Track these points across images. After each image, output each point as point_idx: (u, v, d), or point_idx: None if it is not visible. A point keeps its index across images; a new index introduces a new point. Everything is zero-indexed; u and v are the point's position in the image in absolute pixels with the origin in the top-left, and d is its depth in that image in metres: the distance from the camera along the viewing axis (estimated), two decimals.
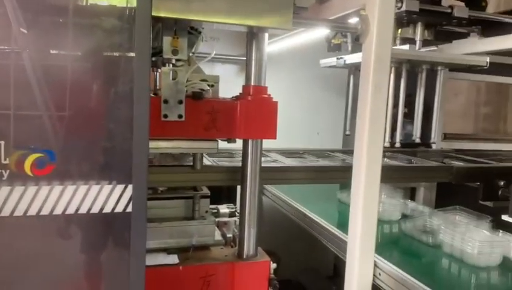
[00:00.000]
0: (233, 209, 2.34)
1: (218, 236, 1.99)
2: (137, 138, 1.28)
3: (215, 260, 1.81)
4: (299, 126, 3.65)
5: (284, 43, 3.14)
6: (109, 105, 1.32)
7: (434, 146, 3.16)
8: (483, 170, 2.40)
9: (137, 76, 1.26)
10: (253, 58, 1.73)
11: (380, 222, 2.24)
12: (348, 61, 2.58)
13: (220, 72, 3.60)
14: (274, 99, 1.76)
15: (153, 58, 1.89)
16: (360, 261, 1.76)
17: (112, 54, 1.35)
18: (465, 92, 5.19)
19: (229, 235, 1.99)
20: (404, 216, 2.43)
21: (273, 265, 1.89)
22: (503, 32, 2.73)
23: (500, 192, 2.42)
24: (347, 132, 2.87)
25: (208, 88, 1.71)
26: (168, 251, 1.84)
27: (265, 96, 1.75)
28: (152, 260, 1.75)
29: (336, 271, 3.87)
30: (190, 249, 1.85)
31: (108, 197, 1.28)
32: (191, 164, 1.90)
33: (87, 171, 1.27)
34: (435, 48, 2.71)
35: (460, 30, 2.87)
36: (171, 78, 1.60)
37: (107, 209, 1.28)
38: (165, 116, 1.60)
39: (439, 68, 2.49)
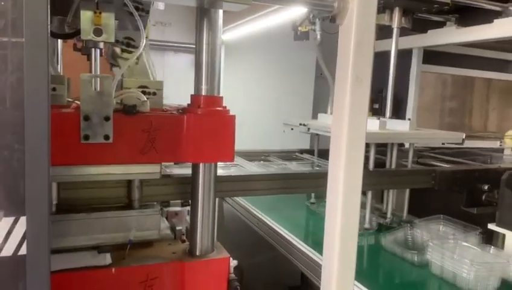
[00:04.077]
0: None
1: (165, 229, 1.62)
2: (31, 151, 0.90)
3: (159, 259, 1.43)
4: (263, 123, 3.31)
5: (247, 29, 2.79)
6: None
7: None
8: (467, 174, 2.16)
9: (28, 65, 0.87)
10: (205, 41, 1.37)
11: None
12: (312, 130, 2.32)
13: (172, 62, 3.24)
14: (231, 113, 1.41)
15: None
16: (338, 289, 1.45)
17: None
18: (432, 86, 5.06)
19: (179, 227, 1.61)
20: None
21: (234, 262, 1.53)
22: (481, 22, 2.52)
23: (484, 197, 2.19)
24: None
25: (145, 99, 1.33)
26: (99, 248, 1.43)
27: (220, 108, 1.40)
28: (77, 260, 1.35)
29: (303, 280, 3.59)
30: (127, 247, 1.46)
31: None
32: None
33: None
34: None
35: (436, 18, 2.63)
36: (93, 88, 1.22)
37: None
38: (86, 137, 1.21)
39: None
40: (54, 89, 1.37)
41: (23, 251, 0.91)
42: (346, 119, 1.36)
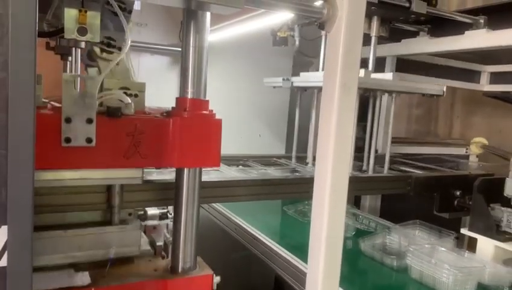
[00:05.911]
0: (165, 210, 1.92)
1: (145, 245, 1.59)
2: (15, 156, 0.84)
3: (141, 277, 1.40)
4: (239, 127, 3.29)
5: (225, 33, 2.77)
6: None
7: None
8: (440, 180, 2.22)
9: (14, 62, 0.82)
10: (192, 44, 1.34)
11: None
12: (296, 84, 2.31)
13: (149, 65, 3.16)
14: (217, 117, 1.39)
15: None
16: None
17: None
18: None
19: (160, 243, 1.58)
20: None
21: (217, 279, 1.51)
22: (452, 33, 2.61)
23: (456, 202, 2.27)
24: None
25: (129, 101, 1.29)
26: (77, 266, 1.39)
27: (206, 112, 1.38)
28: (53, 280, 1.29)
29: (276, 284, 3.58)
30: (107, 264, 1.41)
31: None
32: None
33: None
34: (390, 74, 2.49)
35: (410, 28, 2.70)
36: (75, 89, 1.17)
37: None
38: (68, 140, 1.16)
39: (393, 95, 2.30)
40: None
41: (3, 262, 0.85)
42: (333, 126, 1.36)
